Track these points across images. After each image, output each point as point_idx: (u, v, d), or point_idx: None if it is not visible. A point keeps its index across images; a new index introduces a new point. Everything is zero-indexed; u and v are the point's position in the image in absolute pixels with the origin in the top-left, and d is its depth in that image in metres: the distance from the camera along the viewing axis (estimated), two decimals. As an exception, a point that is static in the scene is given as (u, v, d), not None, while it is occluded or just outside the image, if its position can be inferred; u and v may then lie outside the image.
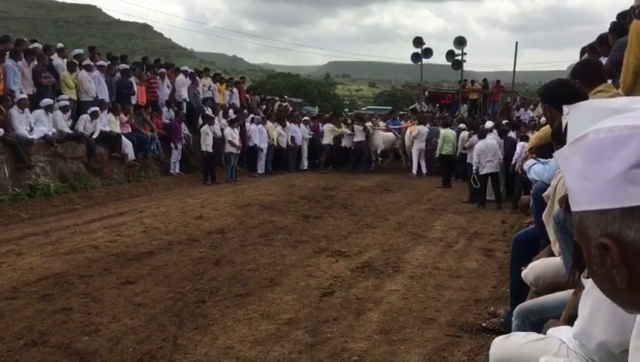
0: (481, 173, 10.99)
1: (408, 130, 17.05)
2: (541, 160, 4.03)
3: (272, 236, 7.70)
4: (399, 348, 4.01)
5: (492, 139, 11.29)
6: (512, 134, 12.44)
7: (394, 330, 4.34)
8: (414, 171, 16.45)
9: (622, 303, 0.78)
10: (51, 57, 12.11)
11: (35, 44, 12.19)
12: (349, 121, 18.95)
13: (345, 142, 17.69)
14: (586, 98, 3.23)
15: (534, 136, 5.35)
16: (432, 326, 4.47)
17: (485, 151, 11.00)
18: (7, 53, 10.61)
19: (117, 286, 5.30)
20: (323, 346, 4.00)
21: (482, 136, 11.46)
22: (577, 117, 0.88)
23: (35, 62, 11.23)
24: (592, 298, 1.68)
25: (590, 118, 0.81)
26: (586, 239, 0.78)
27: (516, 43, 20.84)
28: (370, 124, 18.08)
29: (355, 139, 17.30)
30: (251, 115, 16.39)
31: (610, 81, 4.46)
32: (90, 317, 4.49)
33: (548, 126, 3.85)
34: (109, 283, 5.39)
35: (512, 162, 10.28)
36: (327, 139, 17.45)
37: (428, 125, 17.00)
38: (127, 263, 6.15)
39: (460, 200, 11.56)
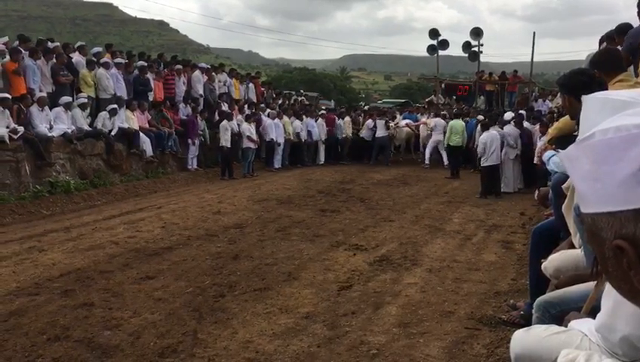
0: (483, 165, 10.97)
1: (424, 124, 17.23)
2: (560, 151, 3.97)
3: (289, 230, 7.72)
4: (418, 341, 4.00)
5: (495, 132, 11.23)
6: (528, 125, 12.33)
7: (413, 323, 4.34)
8: (427, 162, 16.54)
9: None
10: (71, 55, 12.25)
11: (55, 44, 12.33)
12: (365, 113, 19.01)
13: (365, 135, 17.69)
14: (606, 88, 3.18)
15: (554, 127, 5.29)
16: (451, 319, 4.45)
17: (490, 143, 10.93)
18: (27, 52, 10.77)
19: (137, 282, 5.36)
20: (342, 340, 4.01)
21: (486, 128, 11.40)
22: (587, 110, 0.86)
23: (54, 61, 11.37)
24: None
25: (599, 111, 0.79)
26: (599, 241, 0.76)
27: (534, 33, 20.54)
28: (393, 124, 18.02)
29: (377, 134, 17.29)
30: (267, 110, 16.41)
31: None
32: (112, 312, 4.55)
33: (568, 117, 3.79)
34: (129, 279, 5.45)
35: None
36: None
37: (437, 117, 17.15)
38: (147, 258, 6.22)
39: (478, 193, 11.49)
